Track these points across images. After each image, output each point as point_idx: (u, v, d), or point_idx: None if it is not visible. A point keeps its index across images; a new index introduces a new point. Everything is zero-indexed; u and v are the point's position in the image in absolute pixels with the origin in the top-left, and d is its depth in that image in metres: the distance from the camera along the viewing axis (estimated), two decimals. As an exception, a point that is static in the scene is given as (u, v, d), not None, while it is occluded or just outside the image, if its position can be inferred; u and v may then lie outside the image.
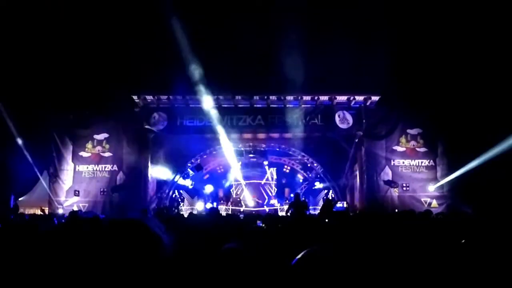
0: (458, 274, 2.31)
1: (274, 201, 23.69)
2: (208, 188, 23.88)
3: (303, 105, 19.81)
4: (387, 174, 19.14)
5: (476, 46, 16.94)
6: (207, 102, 19.12)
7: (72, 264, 1.62)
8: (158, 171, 20.38)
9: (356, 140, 20.02)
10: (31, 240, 3.29)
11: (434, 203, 18.55)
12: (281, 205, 22.50)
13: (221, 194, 24.52)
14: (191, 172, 22.55)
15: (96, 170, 19.41)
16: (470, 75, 17.27)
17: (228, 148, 21.01)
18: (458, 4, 15.81)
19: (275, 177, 24.88)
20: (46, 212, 17.16)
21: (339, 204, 19.15)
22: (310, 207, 20.68)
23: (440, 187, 18.87)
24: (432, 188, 18.73)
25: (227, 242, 3.14)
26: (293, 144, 22.24)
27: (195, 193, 23.53)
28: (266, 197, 24.17)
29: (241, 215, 16.23)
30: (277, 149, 22.56)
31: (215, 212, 9.57)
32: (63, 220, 10.24)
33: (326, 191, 22.79)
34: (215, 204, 22.62)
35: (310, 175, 23.50)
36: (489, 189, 15.45)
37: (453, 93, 17.71)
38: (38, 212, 17.26)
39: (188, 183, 22.90)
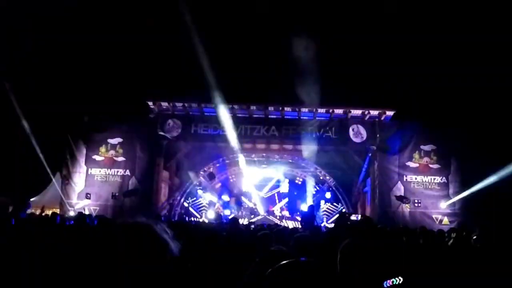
0: None
1: (285, 212, 23.54)
2: (225, 198, 23.73)
3: (317, 118, 19.78)
4: (399, 189, 19.01)
5: (489, 62, 16.90)
6: (222, 110, 19.19)
7: (78, 265, 1.63)
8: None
9: (369, 155, 19.92)
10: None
11: (445, 220, 18.38)
12: (292, 216, 22.35)
13: (232, 203, 24.42)
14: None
15: (109, 174, 19.49)
16: (484, 91, 17.21)
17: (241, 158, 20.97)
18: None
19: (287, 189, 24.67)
20: (49, 213, 16.75)
21: (353, 217, 18.97)
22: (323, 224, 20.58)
23: (452, 204, 18.68)
24: (444, 205, 18.53)
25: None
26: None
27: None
28: (278, 208, 24.00)
29: (252, 226, 16.08)
30: (290, 161, 22.47)
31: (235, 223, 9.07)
32: (72, 222, 10.23)
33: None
34: (228, 211, 22.52)
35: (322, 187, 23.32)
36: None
37: (468, 110, 17.64)
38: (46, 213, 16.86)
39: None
